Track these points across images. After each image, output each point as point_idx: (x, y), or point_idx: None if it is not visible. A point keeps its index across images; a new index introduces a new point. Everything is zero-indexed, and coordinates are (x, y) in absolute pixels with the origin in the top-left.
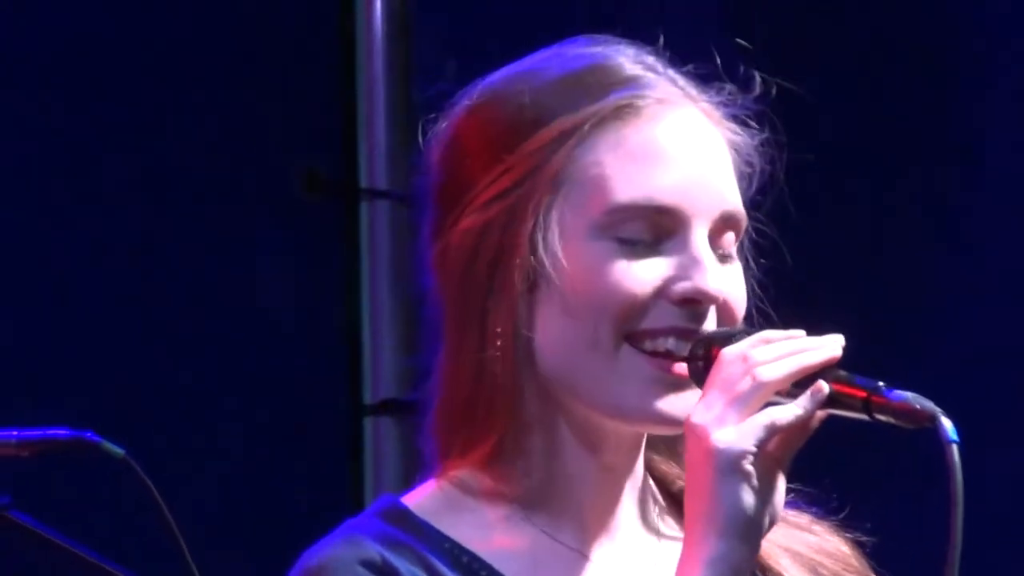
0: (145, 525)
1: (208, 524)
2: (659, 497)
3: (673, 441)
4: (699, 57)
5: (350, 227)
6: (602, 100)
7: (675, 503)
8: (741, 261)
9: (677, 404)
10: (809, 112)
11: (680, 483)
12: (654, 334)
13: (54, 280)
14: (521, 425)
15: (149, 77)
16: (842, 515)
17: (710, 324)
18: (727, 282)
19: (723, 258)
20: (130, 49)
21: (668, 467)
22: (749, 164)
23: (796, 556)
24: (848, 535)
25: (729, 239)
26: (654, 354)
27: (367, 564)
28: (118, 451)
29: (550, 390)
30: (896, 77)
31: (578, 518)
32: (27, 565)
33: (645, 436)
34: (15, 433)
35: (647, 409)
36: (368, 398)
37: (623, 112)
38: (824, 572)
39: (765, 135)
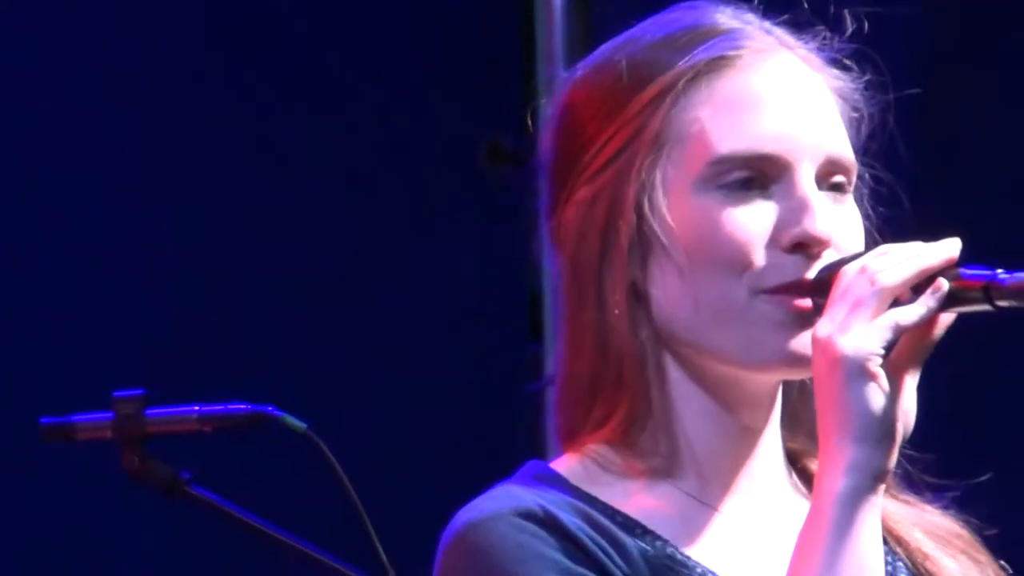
0: (327, 500)
1: (390, 500)
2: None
3: (802, 418)
4: (796, 6)
5: (532, 198)
6: (695, 56)
7: (803, 477)
8: (860, 211)
9: (808, 341)
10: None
11: (808, 461)
12: (779, 291)
13: (240, 256)
14: (650, 391)
15: (332, 51)
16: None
17: None
18: (838, 223)
19: (835, 198)
20: (311, 24)
21: (796, 444)
22: (856, 110)
23: (928, 532)
24: (961, 518)
25: (840, 183)
26: (776, 291)
27: (527, 515)
28: (300, 425)
29: (676, 352)
30: None
31: (720, 479)
32: (208, 539)
33: (780, 396)
34: (196, 408)
35: (780, 351)
36: (551, 369)
37: (717, 64)
38: (953, 550)
39: (868, 78)
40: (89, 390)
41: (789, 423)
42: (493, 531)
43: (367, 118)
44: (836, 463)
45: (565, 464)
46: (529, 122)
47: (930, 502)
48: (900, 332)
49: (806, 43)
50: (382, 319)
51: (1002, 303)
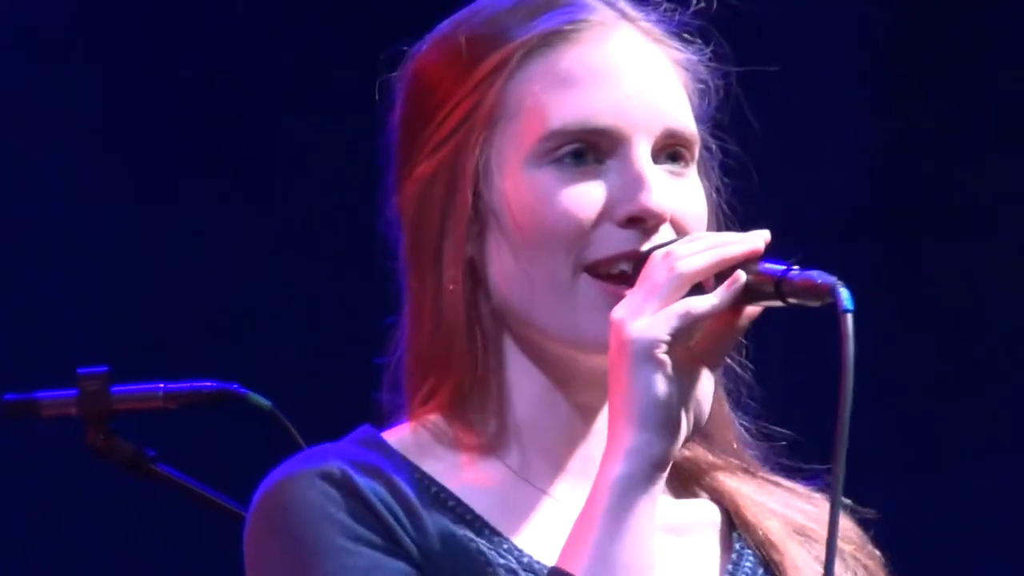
0: None
1: None
2: None
3: None
4: None
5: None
6: (532, 29)
7: None
8: (709, 182)
9: None
10: None
11: None
12: (607, 262)
13: (206, 234)
14: (477, 366)
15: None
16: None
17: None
18: (675, 198)
19: (675, 171)
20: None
21: None
22: (701, 81)
23: (787, 521)
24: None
25: (680, 155)
26: (607, 277)
27: (325, 477)
28: (265, 403)
29: (513, 329)
30: None
31: (549, 458)
32: (173, 516)
33: None
34: (162, 386)
35: (603, 334)
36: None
37: (554, 38)
38: (816, 538)
39: (711, 49)
40: (54, 367)
41: None
42: (291, 490)
43: (341, 95)
44: (617, 448)
45: (398, 433)
46: (376, 97)
47: (798, 483)
48: (692, 320)
49: (647, 15)
50: (348, 297)
51: (792, 300)
